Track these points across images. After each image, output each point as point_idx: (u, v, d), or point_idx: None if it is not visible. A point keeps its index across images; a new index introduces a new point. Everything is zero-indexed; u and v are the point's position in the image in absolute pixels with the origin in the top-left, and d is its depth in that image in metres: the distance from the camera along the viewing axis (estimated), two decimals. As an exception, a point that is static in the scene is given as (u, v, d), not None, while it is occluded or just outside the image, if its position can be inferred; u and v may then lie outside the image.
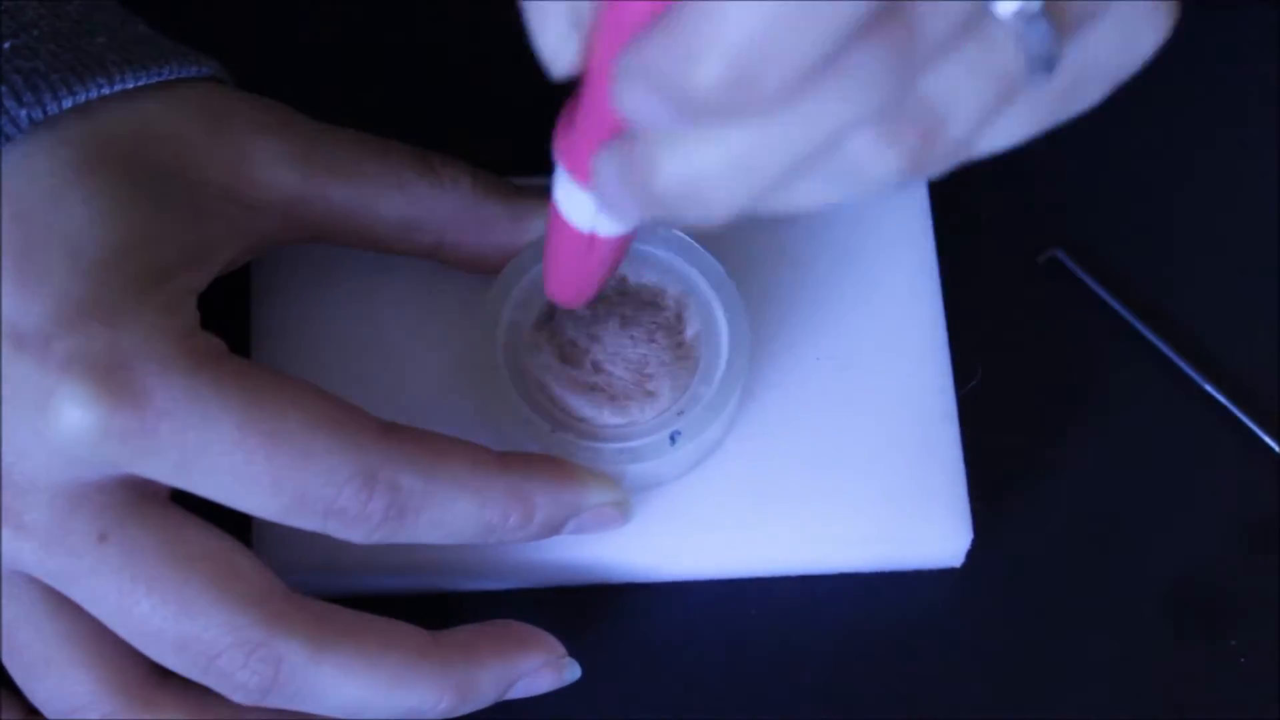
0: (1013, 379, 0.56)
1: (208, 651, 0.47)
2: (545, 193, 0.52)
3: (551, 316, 0.52)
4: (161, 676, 0.49)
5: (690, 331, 0.52)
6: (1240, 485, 0.55)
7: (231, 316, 0.53)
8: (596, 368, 0.52)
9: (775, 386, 0.54)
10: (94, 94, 0.47)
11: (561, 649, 0.51)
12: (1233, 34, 0.60)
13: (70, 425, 0.45)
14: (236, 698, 0.47)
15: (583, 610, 0.54)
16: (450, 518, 0.48)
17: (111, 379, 0.45)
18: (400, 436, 0.47)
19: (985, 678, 0.53)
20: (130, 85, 0.47)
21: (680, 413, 0.51)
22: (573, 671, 0.51)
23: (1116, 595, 0.54)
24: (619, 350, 0.52)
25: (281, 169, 0.49)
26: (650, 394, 0.52)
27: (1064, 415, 0.56)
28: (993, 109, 0.39)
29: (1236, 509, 0.55)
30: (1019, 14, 0.39)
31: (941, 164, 0.40)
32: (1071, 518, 0.55)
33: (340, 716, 0.49)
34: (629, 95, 0.37)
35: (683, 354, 0.52)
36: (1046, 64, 0.39)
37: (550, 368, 0.52)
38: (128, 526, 0.47)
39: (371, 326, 0.54)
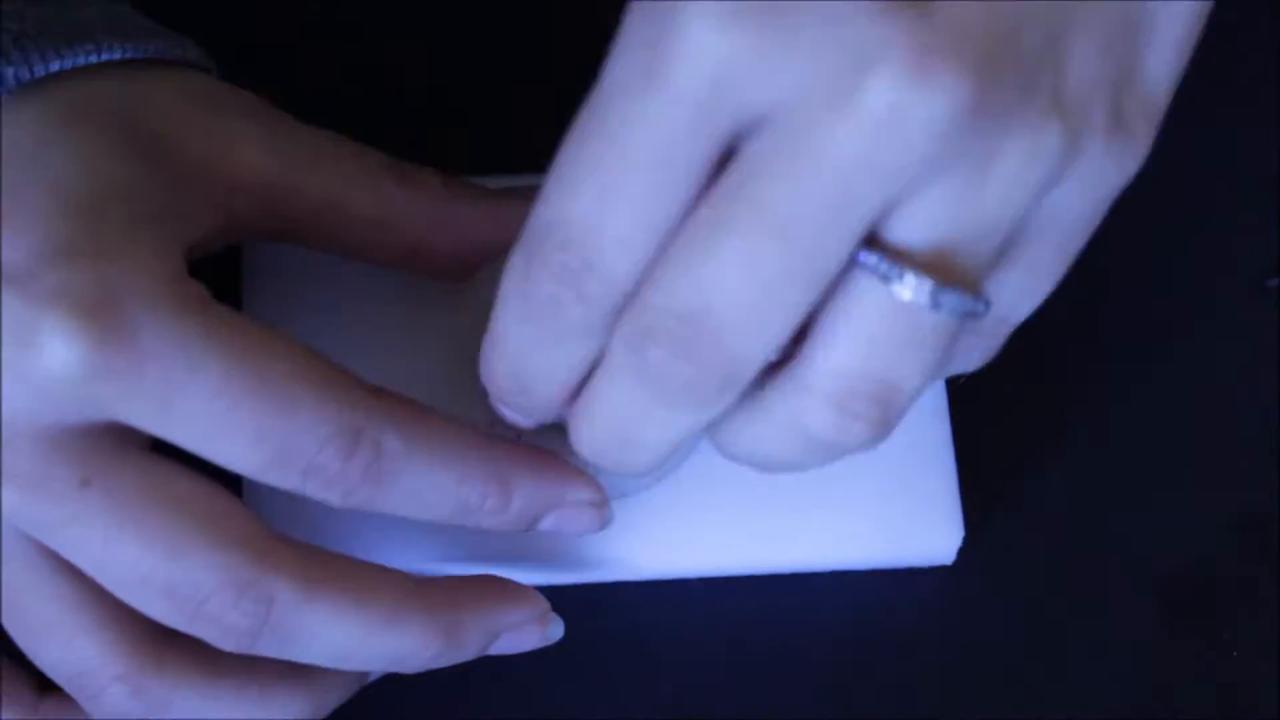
0: (1004, 375, 0.55)
1: (197, 595, 0.46)
2: (518, 193, 0.52)
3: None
4: (168, 636, 0.48)
5: None
6: (1231, 480, 0.55)
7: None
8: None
9: (767, 384, 0.54)
10: (81, 60, 0.47)
11: (546, 605, 0.50)
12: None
13: (55, 360, 0.44)
14: (226, 644, 0.47)
15: (575, 608, 0.53)
16: (428, 488, 0.47)
17: (98, 314, 0.44)
18: (388, 398, 0.47)
19: (977, 674, 0.53)
20: (117, 56, 0.48)
21: None
22: (556, 629, 0.51)
23: (1109, 591, 0.54)
24: None
25: (260, 153, 0.49)
26: None
27: (1056, 412, 0.56)
28: (942, 362, 0.42)
29: (1228, 503, 0.55)
30: (916, 301, 0.41)
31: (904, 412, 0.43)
32: (1064, 515, 0.55)
33: (328, 663, 0.48)
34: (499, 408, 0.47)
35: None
36: (975, 315, 0.42)
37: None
38: (109, 471, 0.46)
39: (361, 321, 0.54)
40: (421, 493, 0.47)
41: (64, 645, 0.47)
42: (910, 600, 0.54)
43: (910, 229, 0.40)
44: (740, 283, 0.40)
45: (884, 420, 0.42)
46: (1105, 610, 0.54)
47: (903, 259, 0.40)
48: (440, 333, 0.53)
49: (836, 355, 0.41)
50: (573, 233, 0.41)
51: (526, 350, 0.44)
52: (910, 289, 0.40)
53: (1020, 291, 0.43)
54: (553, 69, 0.59)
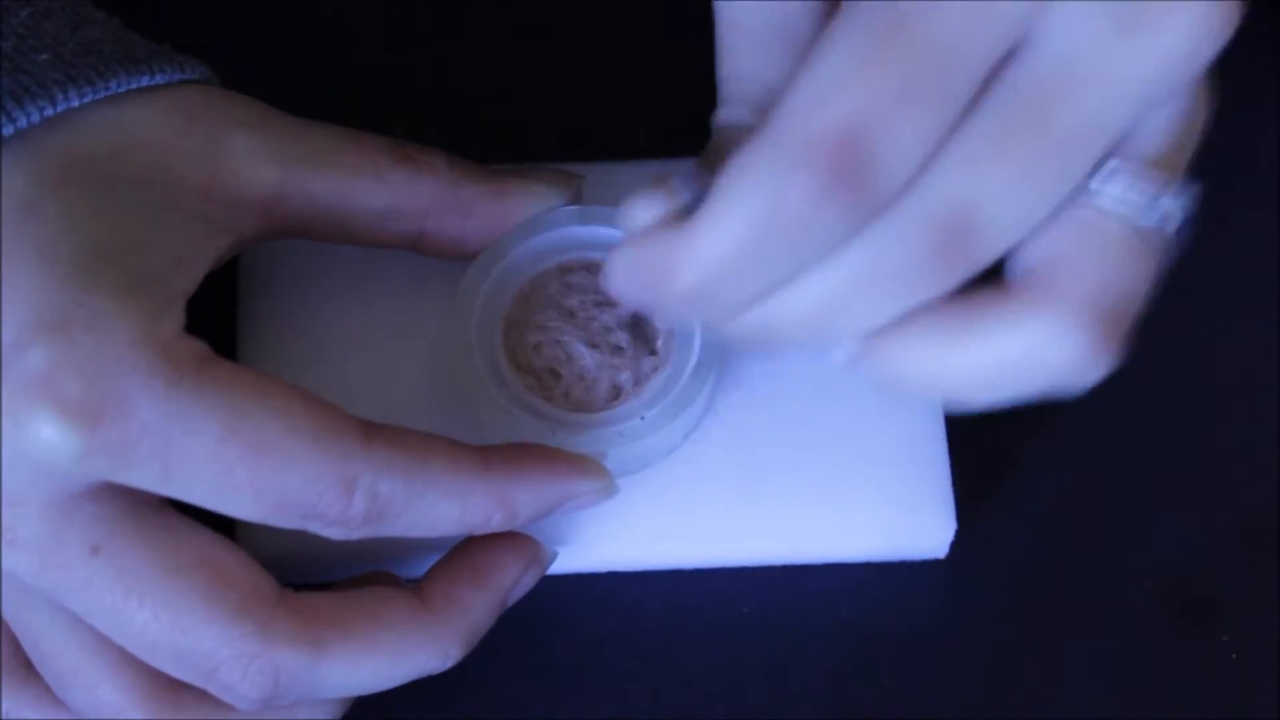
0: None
1: (206, 665, 0.47)
2: (524, 170, 0.53)
3: (525, 301, 0.53)
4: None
5: (662, 326, 0.52)
6: (1232, 481, 0.55)
7: (218, 310, 0.53)
8: (568, 355, 0.52)
9: (761, 375, 0.54)
10: (35, 118, 0.46)
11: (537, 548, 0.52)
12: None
13: (51, 441, 0.44)
14: (242, 706, 0.48)
15: (574, 608, 0.54)
16: (431, 519, 0.48)
17: (93, 390, 0.44)
18: (381, 440, 0.47)
19: (969, 670, 0.53)
20: (75, 104, 0.47)
21: (646, 407, 0.51)
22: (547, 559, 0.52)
23: (1103, 589, 0.54)
24: (590, 339, 0.52)
25: (259, 165, 0.49)
26: (617, 386, 0.52)
27: (1050, 407, 0.55)
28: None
29: (1226, 504, 0.55)
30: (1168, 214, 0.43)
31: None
32: (1056, 510, 0.55)
33: (355, 693, 0.49)
34: (617, 280, 0.44)
35: (654, 348, 0.52)
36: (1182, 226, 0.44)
37: (522, 354, 0.52)
38: (119, 537, 0.47)
39: (357, 315, 0.54)
40: (425, 523, 0.48)
41: (87, 691, 0.49)
42: (902, 595, 0.54)
43: (1142, 145, 0.42)
44: (1012, 190, 0.41)
45: (1122, 345, 0.43)
46: (1098, 609, 0.54)
47: (1149, 175, 0.42)
48: (441, 319, 0.53)
49: (1091, 278, 0.42)
50: (854, 131, 0.40)
51: (755, 260, 0.41)
52: (1165, 206, 0.43)
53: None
54: (553, 67, 0.60)
